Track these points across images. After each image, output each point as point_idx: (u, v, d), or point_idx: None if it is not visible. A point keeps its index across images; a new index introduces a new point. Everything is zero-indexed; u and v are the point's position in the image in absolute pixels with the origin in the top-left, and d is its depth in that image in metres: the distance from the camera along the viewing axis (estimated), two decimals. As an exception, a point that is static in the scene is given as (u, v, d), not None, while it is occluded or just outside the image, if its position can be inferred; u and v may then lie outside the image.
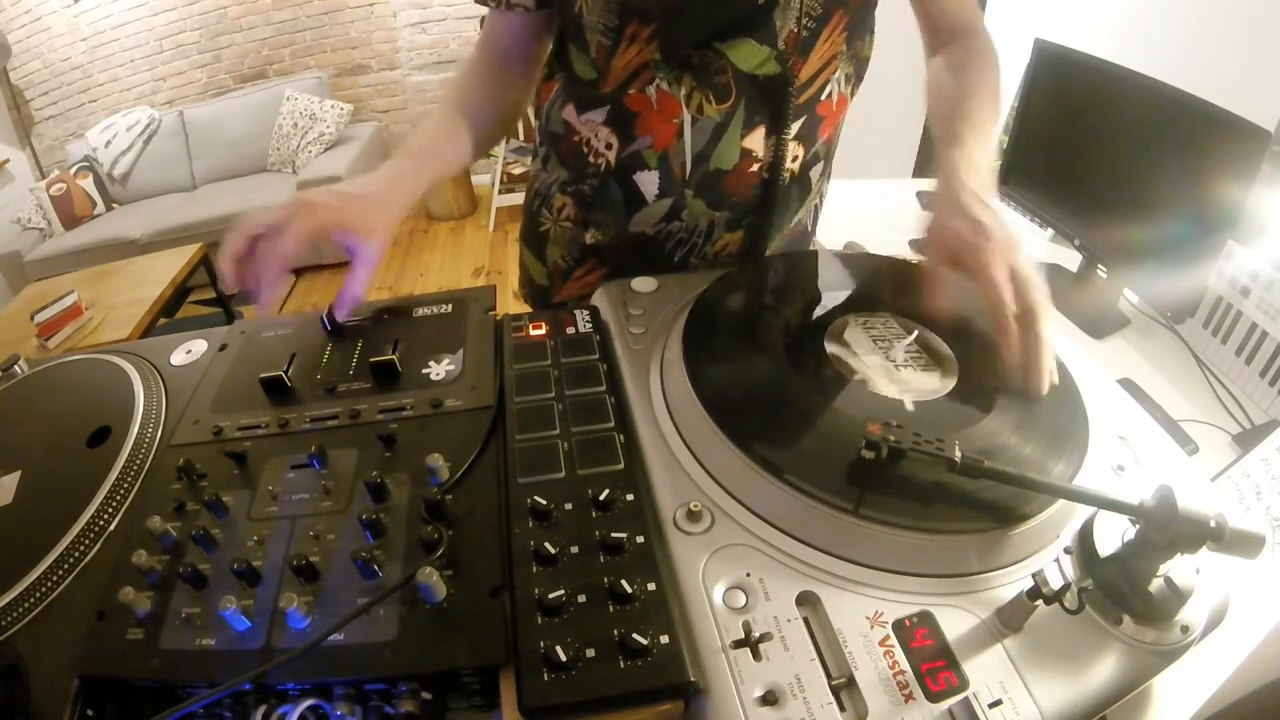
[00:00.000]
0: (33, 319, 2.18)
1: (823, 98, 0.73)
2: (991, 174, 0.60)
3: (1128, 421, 0.55)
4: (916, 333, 0.57)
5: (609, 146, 0.75)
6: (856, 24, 0.70)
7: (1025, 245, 0.53)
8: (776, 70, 0.68)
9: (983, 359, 0.54)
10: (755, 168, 0.74)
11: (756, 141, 0.72)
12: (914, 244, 0.59)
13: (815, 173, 0.80)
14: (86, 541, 0.49)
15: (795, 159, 0.75)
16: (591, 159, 0.77)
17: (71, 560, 0.48)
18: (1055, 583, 0.38)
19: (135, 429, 0.56)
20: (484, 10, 0.74)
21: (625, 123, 0.73)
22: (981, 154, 0.61)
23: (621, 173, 0.76)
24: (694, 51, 0.67)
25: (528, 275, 0.93)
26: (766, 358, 0.55)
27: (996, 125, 0.67)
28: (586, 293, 0.86)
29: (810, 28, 0.66)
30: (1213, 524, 0.36)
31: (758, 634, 0.38)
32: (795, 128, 0.72)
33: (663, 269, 0.72)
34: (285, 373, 0.59)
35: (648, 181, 0.75)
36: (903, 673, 0.38)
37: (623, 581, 0.41)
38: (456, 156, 0.74)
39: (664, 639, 0.39)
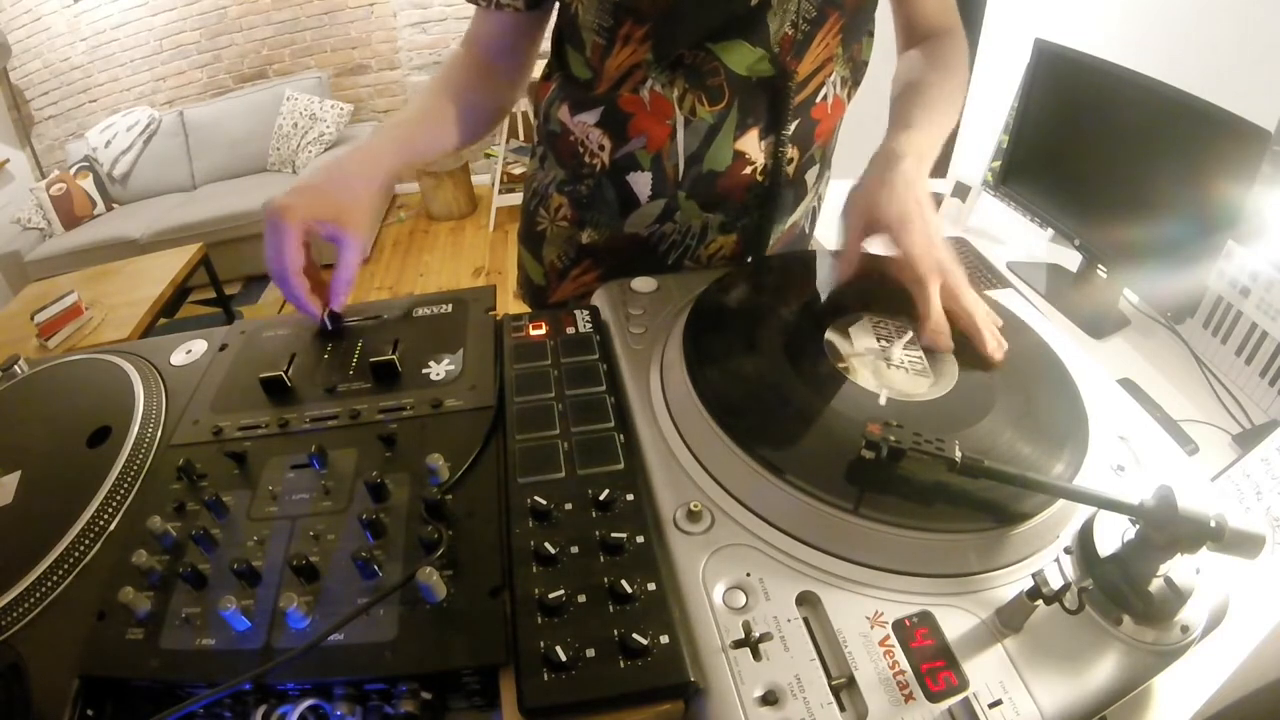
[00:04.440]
0: (33, 319, 2.19)
1: (818, 100, 0.73)
2: (930, 162, 0.63)
3: (1128, 421, 0.55)
4: (910, 333, 0.57)
5: (602, 147, 0.75)
6: (853, 27, 0.70)
7: (944, 241, 0.57)
8: (770, 72, 0.68)
9: (980, 361, 0.54)
10: (749, 170, 0.74)
11: (750, 144, 0.72)
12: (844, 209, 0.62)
13: (811, 176, 0.80)
14: (86, 541, 0.49)
15: (791, 162, 0.75)
16: (587, 159, 0.77)
17: (71, 560, 0.48)
18: (1055, 583, 0.38)
19: (135, 429, 0.56)
20: None
21: (619, 123, 0.73)
22: (928, 140, 0.64)
23: (615, 173, 0.76)
24: (687, 52, 0.67)
25: (525, 275, 0.93)
26: (766, 358, 0.55)
27: (951, 120, 0.69)
28: (583, 292, 0.86)
29: (805, 30, 0.66)
30: (1213, 524, 0.36)
31: (758, 634, 0.38)
32: (790, 130, 0.72)
33: (657, 270, 0.72)
34: (285, 373, 0.59)
35: (641, 182, 0.76)
36: (903, 673, 0.38)
37: (623, 581, 0.41)
38: (437, 141, 0.72)
39: (664, 639, 0.39)
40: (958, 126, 0.74)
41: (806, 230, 0.88)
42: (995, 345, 0.54)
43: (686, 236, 0.79)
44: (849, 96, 0.77)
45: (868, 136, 0.74)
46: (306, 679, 0.40)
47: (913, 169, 0.59)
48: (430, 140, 0.72)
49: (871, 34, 0.75)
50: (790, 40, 0.66)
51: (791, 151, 0.75)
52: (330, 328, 0.66)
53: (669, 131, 0.71)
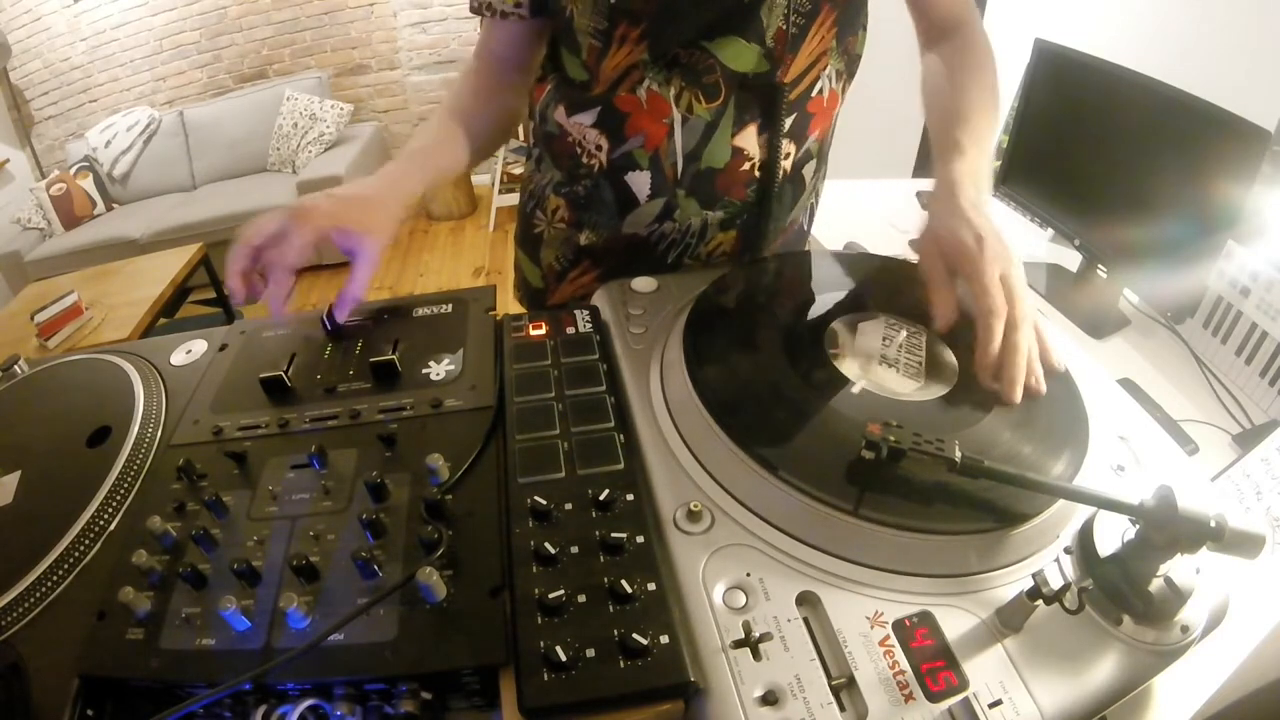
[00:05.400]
0: (33, 319, 2.18)
1: (813, 94, 0.73)
2: (989, 182, 0.61)
3: (1128, 421, 0.55)
4: (911, 333, 0.57)
5: (599, 148, 0.75)
6: (846, 20, 0.70)
7: (1020, 260, 0.54)
8: (765, 68, 0.68)
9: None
10: (747, 166, 0.74)
11: (748, 140, 0.72)
12: (913, 244, 0.59)
13: (808, 170, 0.80)
14: (86, 541, 0.49)
15: (787, 157, 0.75)
16: (584, 160, 0.77)
17: (71, 560, 0.48)
18: (1055, 583, 0.38)
19: (135, 429, 0.56)
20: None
21: (616, 123, 0.73)
22: (981, 162, 0.62)
23: (613, 173, 0.76)
24: (682, 51, 0.67)
25: (523, 277, 0.93)
26: (766, 357, 0.55)
27: (996, 127, 0.67)
28: (581, 294, 0.86)
29: (799, 24, 0.66)
30: (1213, 524, 0.36)
31: (758, 634, 0.38)
32: (786, 125, 0.72)
33: (656, 270, 0.72)
34: (285, 373, 0.59)
35: (639, 182, 0.76)
36: (903, 673, 0.38)
37: (623, 581, 0.41)
38: (453, 161, 0.74)
39: (664, 639, 0.39)
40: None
41: (805, 227, 0.88)
42: (1014, 393, 0.51)
43: (686, 235, 0.79)
44: (844, 90, 0.77)
45: (863, 134, 0.74)
46: (306, 679, 0.40)
47: (974, 192, 0.57)
48: (449, 163, 0.74)
49: (865, 27, 0.75)
50: (784, 35, 0.66)
51: (788, 146, 0.75)
52: (329, 328, 0.66)
53: (666, 130, 0.71)
